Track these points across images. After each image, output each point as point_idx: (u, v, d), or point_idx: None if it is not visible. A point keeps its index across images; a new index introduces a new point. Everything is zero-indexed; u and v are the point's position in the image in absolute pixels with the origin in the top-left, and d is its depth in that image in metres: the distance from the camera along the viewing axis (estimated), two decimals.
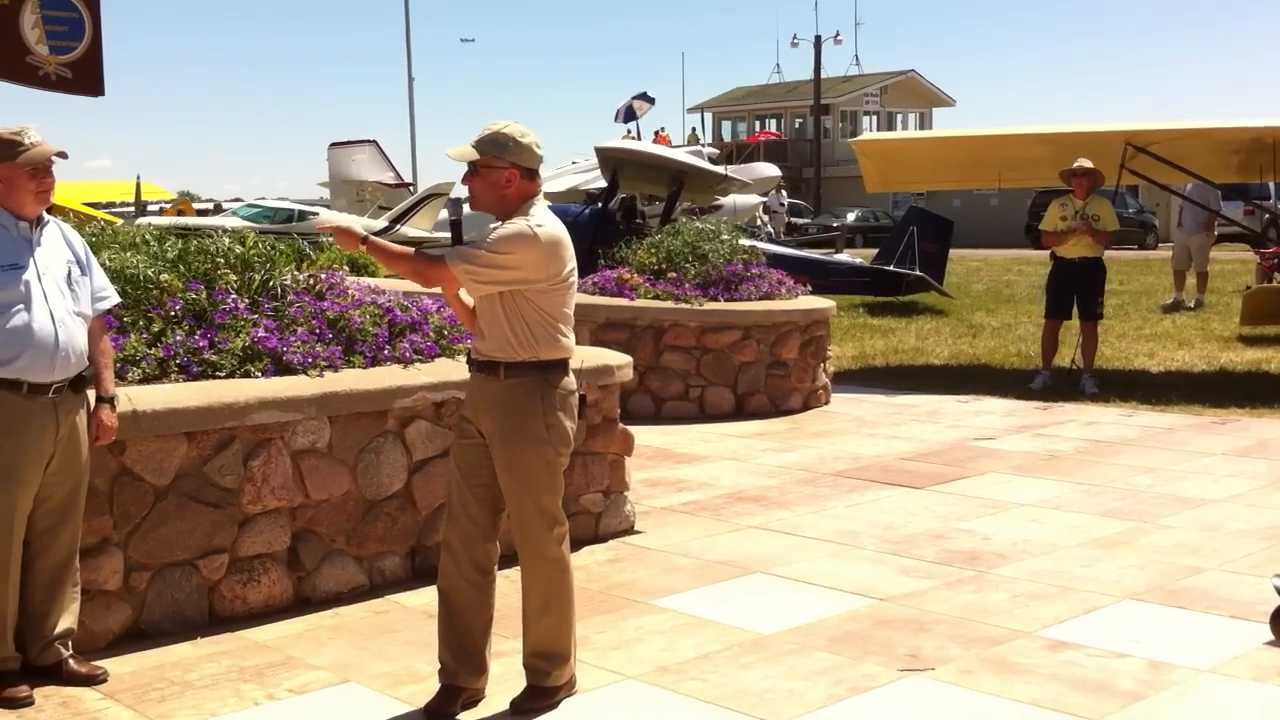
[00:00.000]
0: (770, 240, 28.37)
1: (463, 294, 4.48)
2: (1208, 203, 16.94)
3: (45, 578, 4.55)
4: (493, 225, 4.30)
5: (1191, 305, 18.05)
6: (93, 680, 4.58)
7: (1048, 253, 11.88)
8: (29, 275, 4.40)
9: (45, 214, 4.59)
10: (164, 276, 5.64)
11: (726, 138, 57.40)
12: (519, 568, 4.47)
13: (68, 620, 4.62)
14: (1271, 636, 4.94)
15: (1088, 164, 11.21)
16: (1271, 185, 26.25)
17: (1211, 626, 5.18)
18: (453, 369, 5.84)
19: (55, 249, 4.55)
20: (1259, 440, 9.10)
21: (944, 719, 4.31)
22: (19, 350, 4.33)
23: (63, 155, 4.53)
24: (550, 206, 4.65)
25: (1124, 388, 11.29)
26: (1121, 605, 5.47)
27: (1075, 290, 11.40)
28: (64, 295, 4.48)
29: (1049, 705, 4.37)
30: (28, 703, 4.38)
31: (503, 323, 4.27)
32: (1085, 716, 4.27)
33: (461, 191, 4.60)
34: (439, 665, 4.40)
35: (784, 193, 35.00)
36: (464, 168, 4.35)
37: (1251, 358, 13.13)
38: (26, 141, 4.43)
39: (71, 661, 4.61)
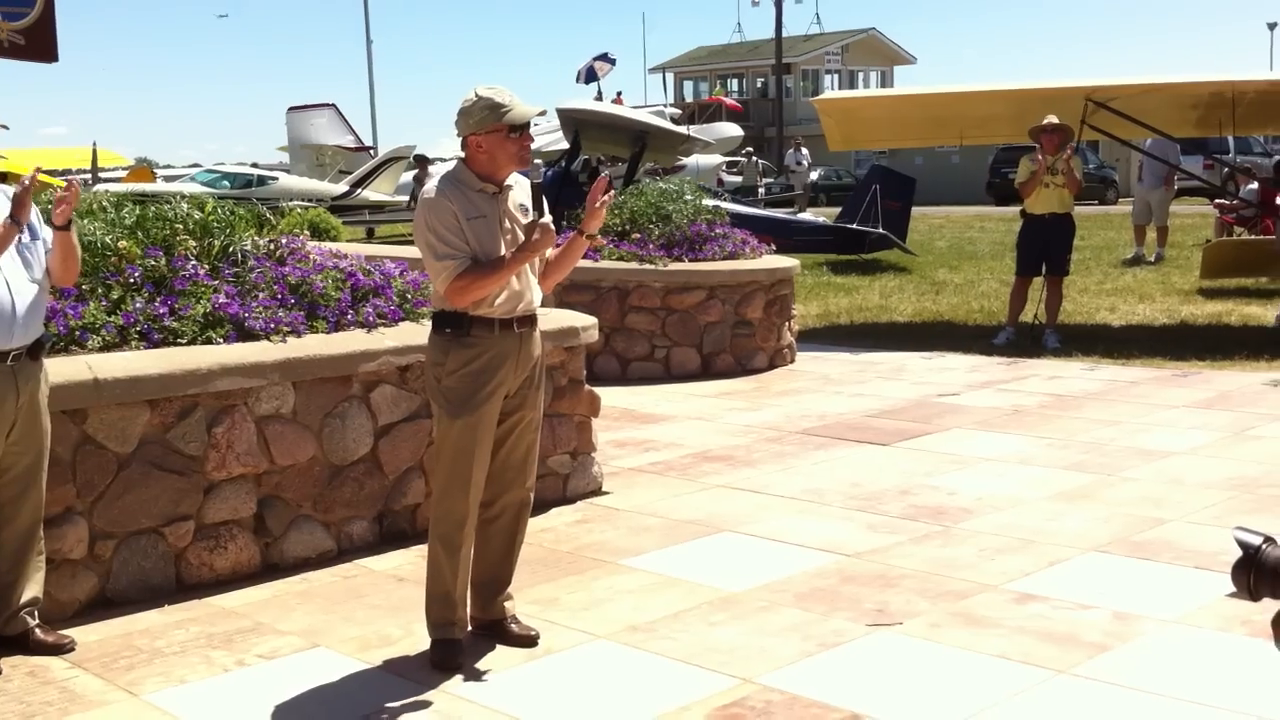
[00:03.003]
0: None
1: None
2: (1167, 157, 17.01)
3: (10, 548, 4.51)
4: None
5: (1152, 259, 18.16)
6: (60, 649, 4.56)
7: (1017, 210, 11.92)
8: None
9: None
10: (122, 244, 5.57)
11: (688, 98, 57.22)
12: (507, 516, 4.60)
13: (33, 589, 4.58)
14: (1234, 588, 4.99)
15: (1056, 120, 11.23)
16: (1230, 139, 26.40)
17: (1176, 577, 5.24)
18: (417, 332, 5.80)
19: (3, 216, 4.45)
20: (1220, 392, 9.18)
21: (912, 673, 4.34)
22: None
23: (4, 127, 4.45)
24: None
25: (1086, 342, 11.37)
26: (1086, 557, 5.52)
27: (1045, 246, 11.45)
28: (15, 261, 4.40)
29: (1017, 657, 4.41)
30: None
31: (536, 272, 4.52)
32: (1053, 668, 4.31)
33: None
34: (450, 622, 4.46)
35: (804, 150, 34.41)
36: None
37: (1211, 310, 13.24)
38: None
39: (38, 631, 4.58)
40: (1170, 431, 7.94)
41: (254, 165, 39.66)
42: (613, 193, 4.52)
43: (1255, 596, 2.94)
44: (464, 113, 4.29)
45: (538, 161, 20.31)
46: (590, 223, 4.49)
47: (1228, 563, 5.21)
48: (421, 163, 27.46)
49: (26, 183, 4.34)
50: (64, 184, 4.44)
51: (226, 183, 30.00)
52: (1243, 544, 4.78)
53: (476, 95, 4.27)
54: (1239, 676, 4.25)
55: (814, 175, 40.56)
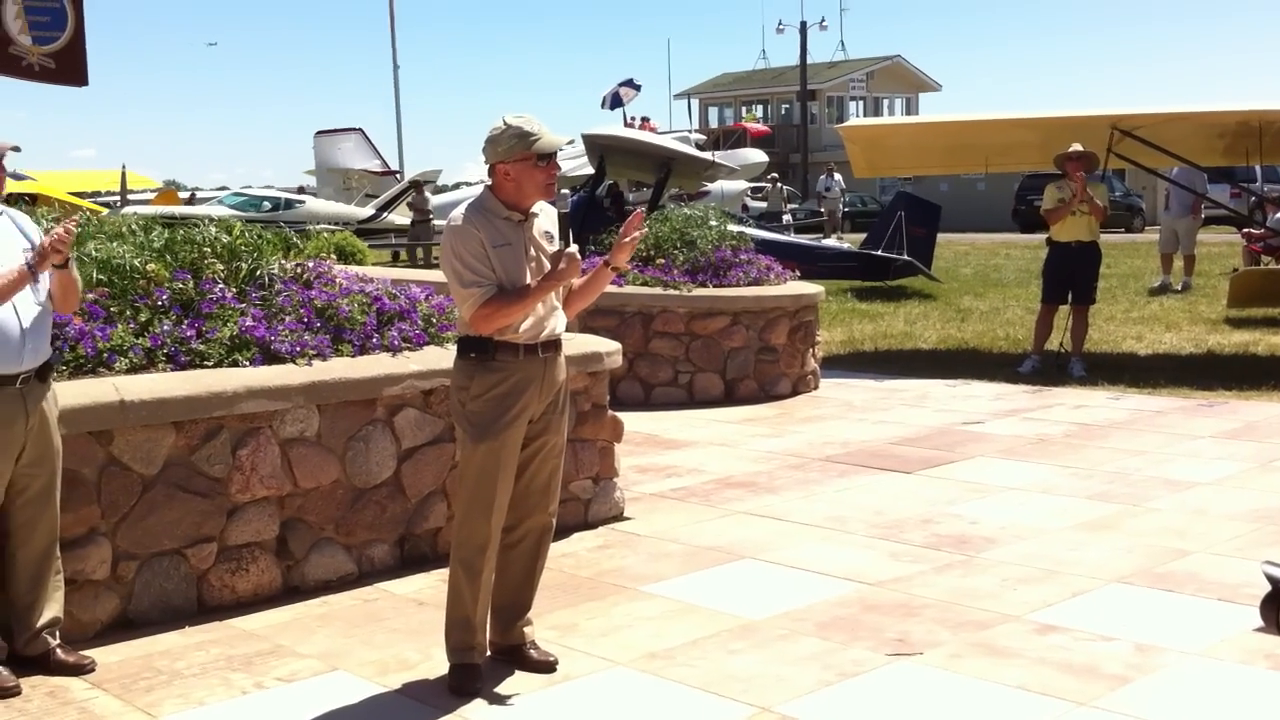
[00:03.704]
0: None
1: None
2: (1194, 186, 16.96)
3: (29, 569, 4.53)
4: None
5: (1179, 288, 18.07)
6: (81, 670, 4.58)
7: (1043, 238, 11.90)
8: None
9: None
10: (150, 266, 5.63)
11: (713, 124, 57.37)
12: (529, 541, 4.61)
13: (53, 609, 4.61)
14: (1261, 623, 4.94)
15: (1081, 148, 11.21)
16: (1258, 168, 26.30)
17: (1199, 609, 5.20)
18: (441, 356, 5.83)
19: (9, 239, 4.47)
20: (1246, 423, 9.12)
21: (932, 703, 4.32)
22: None
23: (15, 149, 4.50)
24: None
25: (1112, 371, 11.32)
26: (1109, 588, 5.48)
27: (1071, 274, 11.43)
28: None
29: (1037, 689, 4.38)
30: (15, 692, 4.37)
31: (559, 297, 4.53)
32: (1073, 700, 4.28)
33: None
34: (469, 647, 4.46)
35: (837, 176, 34.18)
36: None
37: (1239, 340, 13.16)
38: None
39: (59, 651, 4.60)
40: (1196, 462, 7.89)
41: (300, 190, 39.92)
42: (644, 229, 4.53)
43: None
44: (492, 140, 4.32)
45: (565, 191, 20.37)
46: (618, 256, 4.50)
47: (1252, 595, 5.19)
48: (417, 187, 27.83)
49: (59, 233, 4.36)
50: (71, 224, 4.46)
51: (269, 204, 30.28)
52: (1272, 579, 4.73)
53: (505, 123, 4.30)
54: (1261, 710, 4.22)
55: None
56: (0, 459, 4.38)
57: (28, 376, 4.41)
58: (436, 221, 27.49)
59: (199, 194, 41.62)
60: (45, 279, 4.51)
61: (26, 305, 4.42)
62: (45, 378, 4.53)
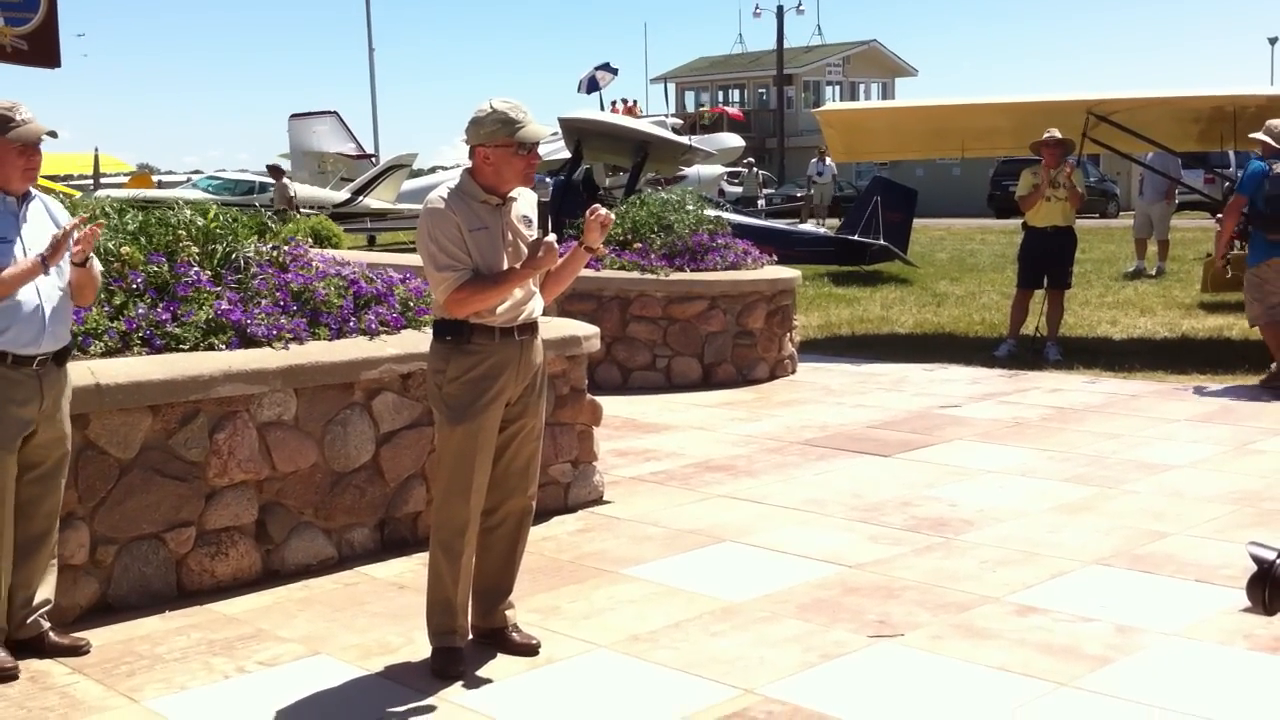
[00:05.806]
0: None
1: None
2: (1168, 171, 17.03)
3: (23, 547, 4.51)
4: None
5: (1153, 273, 18.16)
6: (76, 651, 4.57)
7: (1018, 223, 11.94)
8: (16, 250, 4.37)
9: (30, 188, 4.53)
10: (125, 249, 5.57)
11: (690, 108, 57.32)
12: (509, 524, 4.59)
13: (45, 591, 4.59)
14: (1247, 603, 4.95)
15: (1058, 134, 11.24)
16: (1232, 153, 26.39)
17: (1178, 590, 5.23)
18: (419, 340, 5.80)
19: (40, 223, 4.50)
20: (1221, 406, 9.18)
21: (914, 684, 4.33)
22: (7, 323, 4.31)
23: (53, 135, 4.49)
24: None
25: (1087, 355, 11.37)
26: (1088, 570, 5.51)
27: (1047, 259, 11.46)
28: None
29: (1018, 670, 4.40)
30: (13, 675, 4.35)
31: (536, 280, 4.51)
32: (1054, 680, 4.30)
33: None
34: (450, 630, 4.45)
35: (828, 160, 33.84)
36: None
37: (1213, 324, 13.24)
38: (18, 118, 4.37)
39: (53, 634, 4.59)
40: (1171, 445, 7.94)
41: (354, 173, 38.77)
42: (603, 212, 4.47)
43: (1270, 610, 2.91)
44: (476, 122, 4.29)
45: (547, 180, 20.22)
46: (590, 235, 4.48)
47: (1230, 576, 5.23)
48: (276, 173, 27.26)
49: (68, 228, 4.39)
50: (81, 221, 4.48)
51: (243, 187, 30.00)
52: (1257, 559, 4.75)
53: (491, 107, 4.27)
54: (1241, 690, 4.25)
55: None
56: (14, 440, 4.38)
57: (45, 359, 4.41)
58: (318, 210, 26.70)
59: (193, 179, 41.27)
60: (66, 266, 4.50)
61: (50, 290, 4.42)
62: (62, 362, 4.53)
